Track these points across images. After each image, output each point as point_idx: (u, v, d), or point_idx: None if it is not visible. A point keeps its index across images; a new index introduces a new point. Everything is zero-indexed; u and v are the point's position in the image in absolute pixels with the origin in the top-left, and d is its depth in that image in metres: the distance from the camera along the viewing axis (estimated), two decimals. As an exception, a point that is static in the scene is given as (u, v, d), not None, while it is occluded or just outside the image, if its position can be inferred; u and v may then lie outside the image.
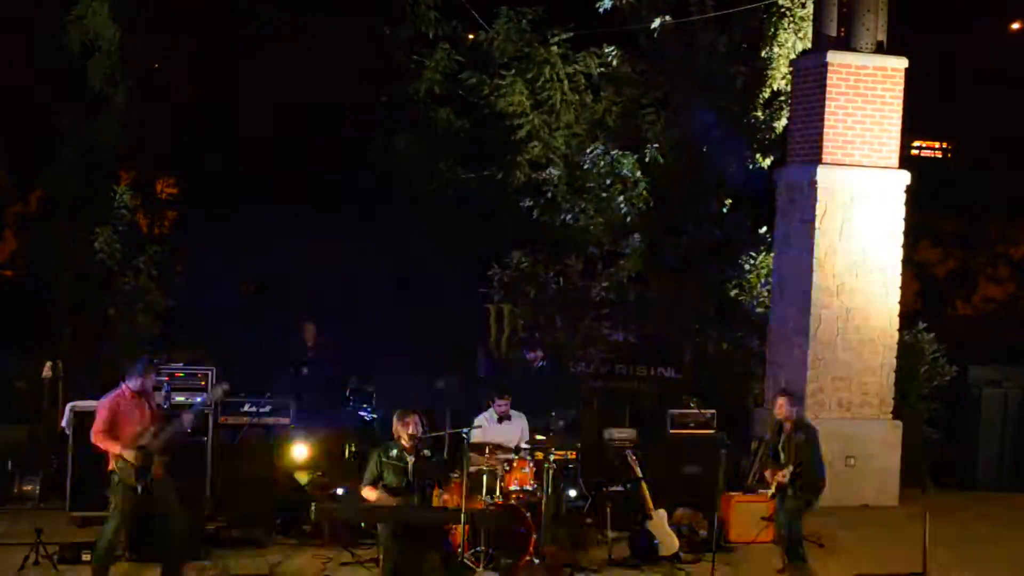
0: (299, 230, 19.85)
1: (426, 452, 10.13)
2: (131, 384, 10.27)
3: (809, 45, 15.95)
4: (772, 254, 16.00)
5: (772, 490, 11.53)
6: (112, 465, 10.21)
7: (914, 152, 25.75)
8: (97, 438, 10.20)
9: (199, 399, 11.94)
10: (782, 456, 11.49)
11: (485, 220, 18.80)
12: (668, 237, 17.00)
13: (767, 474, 11.68)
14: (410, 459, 10.06)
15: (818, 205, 14.96)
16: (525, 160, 17.41)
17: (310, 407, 13.98)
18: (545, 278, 16.96)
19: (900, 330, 15.45)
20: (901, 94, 15.10)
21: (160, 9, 18.07)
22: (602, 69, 17.25)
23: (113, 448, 10.11)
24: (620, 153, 16.19)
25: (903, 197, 15.21)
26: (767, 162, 17.16)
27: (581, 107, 17.36)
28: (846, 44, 15.13)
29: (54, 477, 13.39)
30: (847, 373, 15.13)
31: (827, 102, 14.89)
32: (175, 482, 10.42)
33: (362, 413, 13.61)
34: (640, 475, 12.47)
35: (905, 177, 15.21)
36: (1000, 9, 24.26)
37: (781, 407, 11.56)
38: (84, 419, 12.11)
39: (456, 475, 11.08)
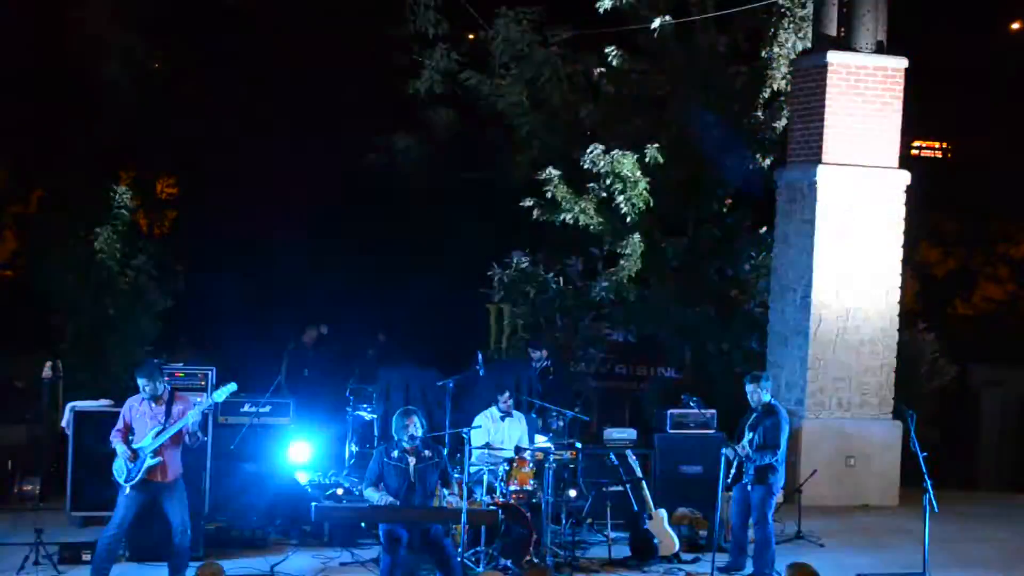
0: (299, 231, 19.90)
1: (427, 453, 10.12)
2: (142, 392, 10.25)
3: (809, 45, 15.94)
4: (772, 254, 15.99)
5: (732, 472, 11.30)
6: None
7: (914, 152, 25.76)
8: (113, 439, 10.28)
9: (199, 401, 11.69)
10: (747, 436, 11.40)
11: (485, 220, 18.81)
12: (668, 237, 17.00)
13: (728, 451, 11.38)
14: (411, 460, 10.06)
15: (818, 205, 14.96)
16: (525, 160, 17.40)
17: (310, 407, 13.96)
18: (545, 278, 16.96)
19: (900, 330, 15.44)
20: (901, 94, 15.10)
21: (160, 9, 18.11)
22: (602, 69, 17.24)
23: (118, 447, 10.17)
24: (620, 153, 16.19)
25: (903, 197, 15.21)
26: (767, 162, 17.16)
27: (581, 107, 17.35)
28: (846, 44, 15.13)
29: (54, 477, 13.38)
30: (847, 373, 15.11)
31: (827, 102, 14.89)
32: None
33: (362, 413, 13.58)
34: (640, 475, 12.47)
35: (905, 177, 15.21)
36: (1000, 9, 24.27)
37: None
38: (84, 419, 12.16)
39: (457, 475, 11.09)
